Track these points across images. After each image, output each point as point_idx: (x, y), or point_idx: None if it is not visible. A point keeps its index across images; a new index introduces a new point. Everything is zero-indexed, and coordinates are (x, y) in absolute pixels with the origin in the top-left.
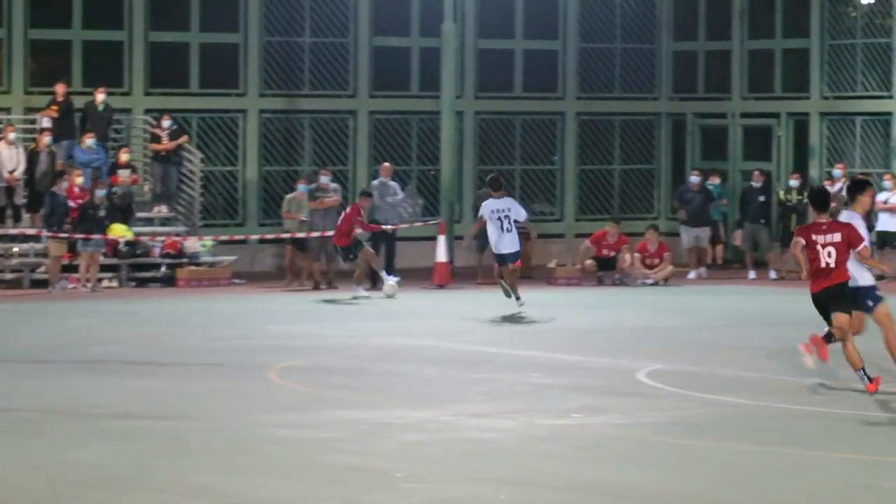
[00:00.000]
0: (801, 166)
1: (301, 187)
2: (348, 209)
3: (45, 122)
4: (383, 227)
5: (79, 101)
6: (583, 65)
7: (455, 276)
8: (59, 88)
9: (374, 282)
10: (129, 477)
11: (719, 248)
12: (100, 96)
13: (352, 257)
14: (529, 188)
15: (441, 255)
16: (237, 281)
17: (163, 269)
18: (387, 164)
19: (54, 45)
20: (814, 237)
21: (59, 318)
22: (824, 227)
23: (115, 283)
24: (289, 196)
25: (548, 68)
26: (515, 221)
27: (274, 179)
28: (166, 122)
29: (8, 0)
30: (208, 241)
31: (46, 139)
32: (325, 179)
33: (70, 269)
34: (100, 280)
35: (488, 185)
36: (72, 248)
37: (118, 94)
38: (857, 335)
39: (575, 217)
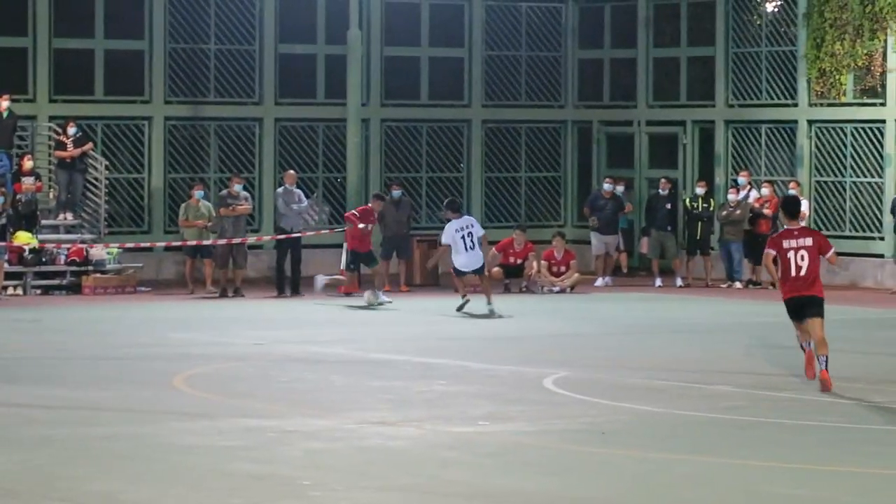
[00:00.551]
0: (706, 174)
1: (198, 193)
2: (356, 212)
3: None
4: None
5: None
6: (489, 73)
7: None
8: None
9: (294, 290)
10: (34, 486)
11: (622, 255)
12: (4, 103)
13: (352, 267)
14: (436, 196)
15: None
16: (143, 288)
17: (68, 276)
18: (291, 171)
19: None
20: (785, 244)
21: None
22: (795, 232)
23: (19, 291)
24: (184, 204)
25: (454, 76)
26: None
27: (180, 186)
28: (72, 129)
29: None
30: (114, 248)
31: None
32: (237, 187)
33: None
34: (4, 288)
35: (447, 207)
36: None
37: (23, 101)
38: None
39: (481, 224)
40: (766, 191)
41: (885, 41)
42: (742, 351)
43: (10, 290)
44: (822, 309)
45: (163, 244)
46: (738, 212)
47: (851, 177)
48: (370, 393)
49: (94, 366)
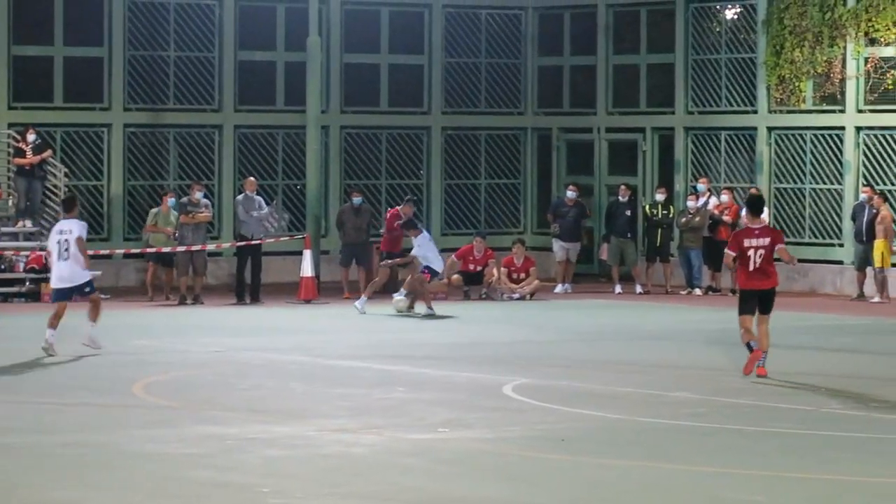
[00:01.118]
0: (666, 181)
1: (171, 202)
2: (387, 214)
3: None
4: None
5: None
6: (448, 79)
7: (321, 290)
8: None
9: (254, 297)
10: None
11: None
12: None
13: (385, 263)
14: (396, 203)
15: (307, 269)
16: (102, 296)
17: (27, 284)
18: (251, 178)
19: None
20: (746, 243)
21: None
22: (756, 231)
23: None
24: (154, 210)
25: (413, 83)
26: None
27: (139, 194)
28: (31, 137)
29: None
30: None
31: None
32: (198, 195)
33: None
34: None
35: (409, 227)
36: None
37: None
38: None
39: (441, 232)
40: (725, 197)
41: (845, 48)
42: (702, 358)
43: None
44: (772, 304)
45: (122, 251)
46: (697, 219)
47: (811, 183)
48: (330, 400)
49: (53, 373)
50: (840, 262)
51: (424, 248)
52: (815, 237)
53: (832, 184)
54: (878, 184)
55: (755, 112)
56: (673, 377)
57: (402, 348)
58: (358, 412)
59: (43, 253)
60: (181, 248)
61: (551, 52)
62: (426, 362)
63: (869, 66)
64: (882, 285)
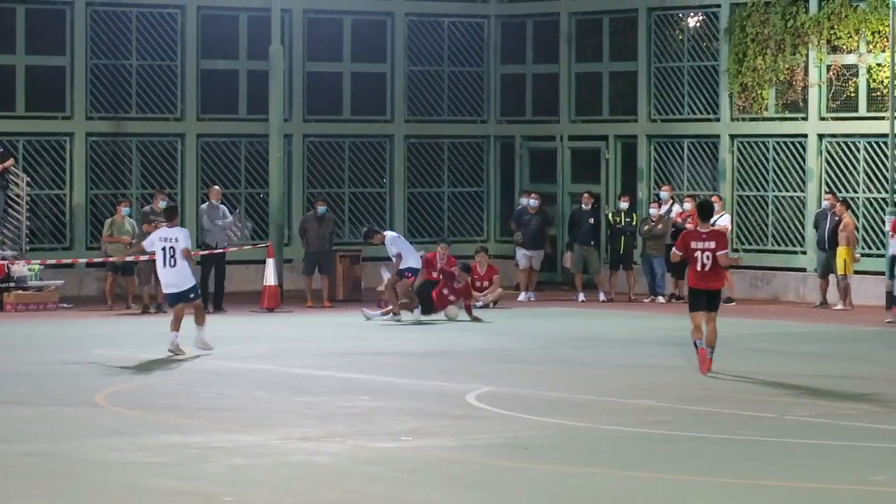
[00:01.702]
0: (629, 189)
1: (124, 210)
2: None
3: None
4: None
5: None
6: (411, 88)
7: (284, 299)
8: None
9: (218, 306)
10: None
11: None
12: None
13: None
14: (359, 211)
15: (270, 278)
16: (65, 305)
17: None
18: (216, 187)
19: None
20: (693, 244)
21: None
22: (704, 235)
23: None
24: (108, 220)
25: (376, 91)
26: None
27: (102, 203)
28: None
29: None
30: (35, 265)
31: None
32: (161, 203)
33: None
34: None
35: (369, 236)
36: None
37: None
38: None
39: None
40: (688, 205)
41: (807, 56)
42: (666, 365)
43: None
44: (719, 302)
45: (84, 260)
46: (660, 226)
47: (774, 191)
48: (293, 408)
49: (16, 382)
50: (803, 270)
51: (398, 247)
52: (778, 245)
53: (795, 191)
54: (840, 191)
55: (718, 120)
56: (637, 385)
57: (366, 356)
58: (322, 420)
59: (5, 262)
60: (144, 257)
61: (514, 60)
62: (390, 370)
63: (831, 73)
64: (845, 292)
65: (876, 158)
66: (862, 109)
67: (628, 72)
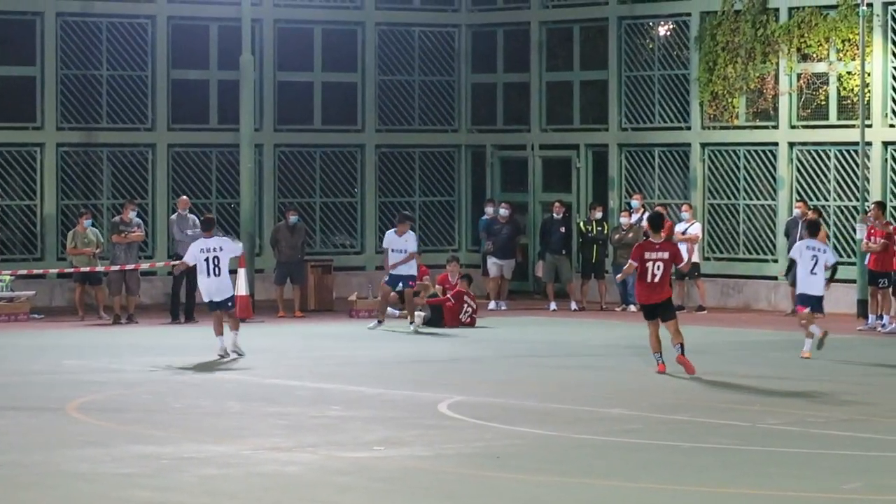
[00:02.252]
0: (600, 197)
1: (87, 222)
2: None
3: None
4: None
5: None
6: (382, 97)
7: (256, 309)
8: None
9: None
10: None
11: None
12: None
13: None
14: (330, 220)
15: (241, 288)
16: (36, 316)
17: None
18: (184, 197)
19: None
20: (647, 255)
21: None
22: (657, 245)
23: None
24: (72, 231)
25: (347, 101)
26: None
27: (73, 213)
28: None
29: None
30: (6, 275)
31: None
32: (131, 214)
33: None
34: None
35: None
36: None
37: None
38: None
39: (376, 249)
40: None
41: (777, 64)
42: (637, 374)
43: None
44: (673, 309)
45: (55, 271)
46: (630, 235)
47: (745, 199)
48: (265, 419)
49: None
50: (774, 278)
51: (413, 248)
52: (749, 253)
53: (766, 199)
54: (811, 199)
55: (688, 128)
56: (608, 393)
57: (337, 366)
58: (293, 431)
59: None
60: (114, 268)
61: (485, 69)
62: (362, 380)
63: (801, 81)
64: None
65: (847, 166)
66: (832, 118)
67: (599, 80)
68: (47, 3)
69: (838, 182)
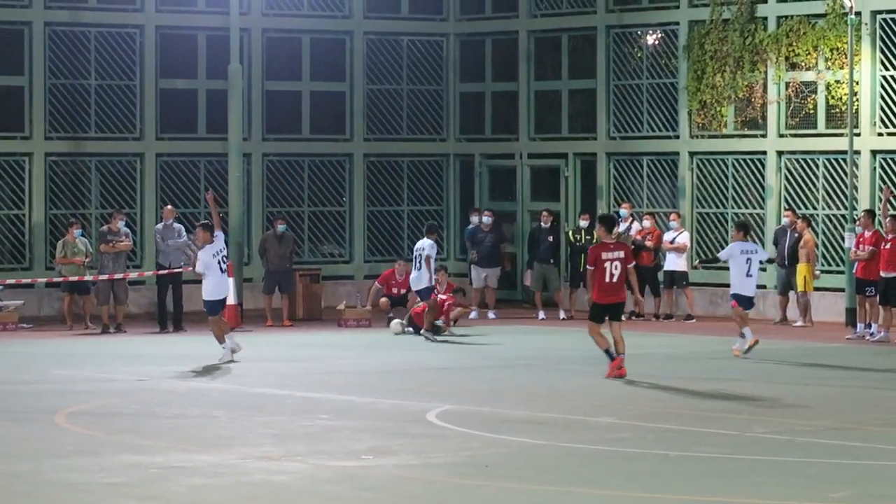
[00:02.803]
0: (589, 206)
1: (76, 232)
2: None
3: None
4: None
5: None
6: (370, 106)
7: (244, 318)
8: None
9: (177, 325)
10: None
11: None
12: None
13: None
14: (318, 230)
15: (230, 297)
16: (24, 325)
17: None
18: (169, 206)
19: None
20: (604, 255)
21: None
22: (611, 246)
23: None
24: (61, 240)
25: (335, 110)
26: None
27: (61, 223)
28: None
29: None
30: None
31: None
32: (119, 223)
33: None
34: None
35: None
36: None
37: None
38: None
39: (364, 258)
40: (647, 223)
41: (765, 73)
42: (625, 382)
43: None
44: (622, 313)
45: (44, 280)
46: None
47: (733, 208)
48: (253, 428)
49: None
50: (763, 287)
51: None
52: None
53: (754, 208)
54: (800, 208)
55: (677, 137)
56: (596, 402)
57: (325, 375)
58: (282, 440)
59: None
60: (103, 277)
61: (473, 78)
62: (350, 389)
63: (790, 90)
64: (805, 309)
65: (835, 175)
66: (821, 126)
67: (587, 89)
68: (35, 12)
69: (827, 191)
